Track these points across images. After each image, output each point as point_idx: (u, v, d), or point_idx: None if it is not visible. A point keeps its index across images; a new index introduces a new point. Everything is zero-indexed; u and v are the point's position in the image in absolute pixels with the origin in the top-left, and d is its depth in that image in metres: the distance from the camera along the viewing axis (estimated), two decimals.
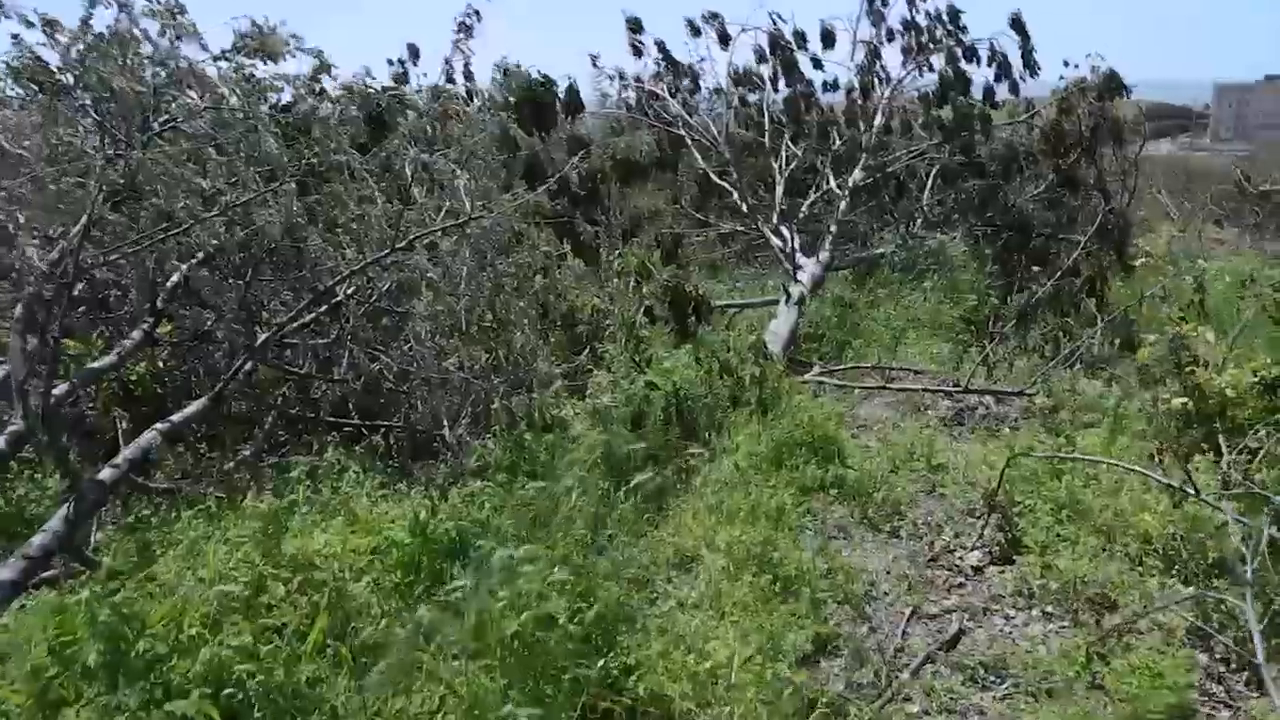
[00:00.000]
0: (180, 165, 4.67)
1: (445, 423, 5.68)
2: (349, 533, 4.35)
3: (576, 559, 4.29)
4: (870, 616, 5.01)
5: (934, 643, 4.76)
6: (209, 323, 6.10)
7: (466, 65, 11.01)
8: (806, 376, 8.89)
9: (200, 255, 5.89)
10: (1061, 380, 7.92)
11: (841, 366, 9.31)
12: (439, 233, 5.63)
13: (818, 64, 13.31)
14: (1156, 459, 5.36)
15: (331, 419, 5.76)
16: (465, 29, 10.55)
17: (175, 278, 5.87)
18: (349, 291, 5.59)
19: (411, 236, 5.37)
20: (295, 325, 5.39)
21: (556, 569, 3.85)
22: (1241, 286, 10.45)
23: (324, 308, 5.57)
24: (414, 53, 11.75)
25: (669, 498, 5.88)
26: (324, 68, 6.84)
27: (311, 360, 6.10)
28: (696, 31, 12.54)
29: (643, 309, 8.11)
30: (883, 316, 10.61)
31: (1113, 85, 12.98)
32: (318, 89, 7.22)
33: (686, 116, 12.54)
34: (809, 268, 11.47)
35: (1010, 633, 4.91)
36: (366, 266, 5.32)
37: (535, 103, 9.94)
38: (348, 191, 5.72)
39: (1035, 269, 11.69)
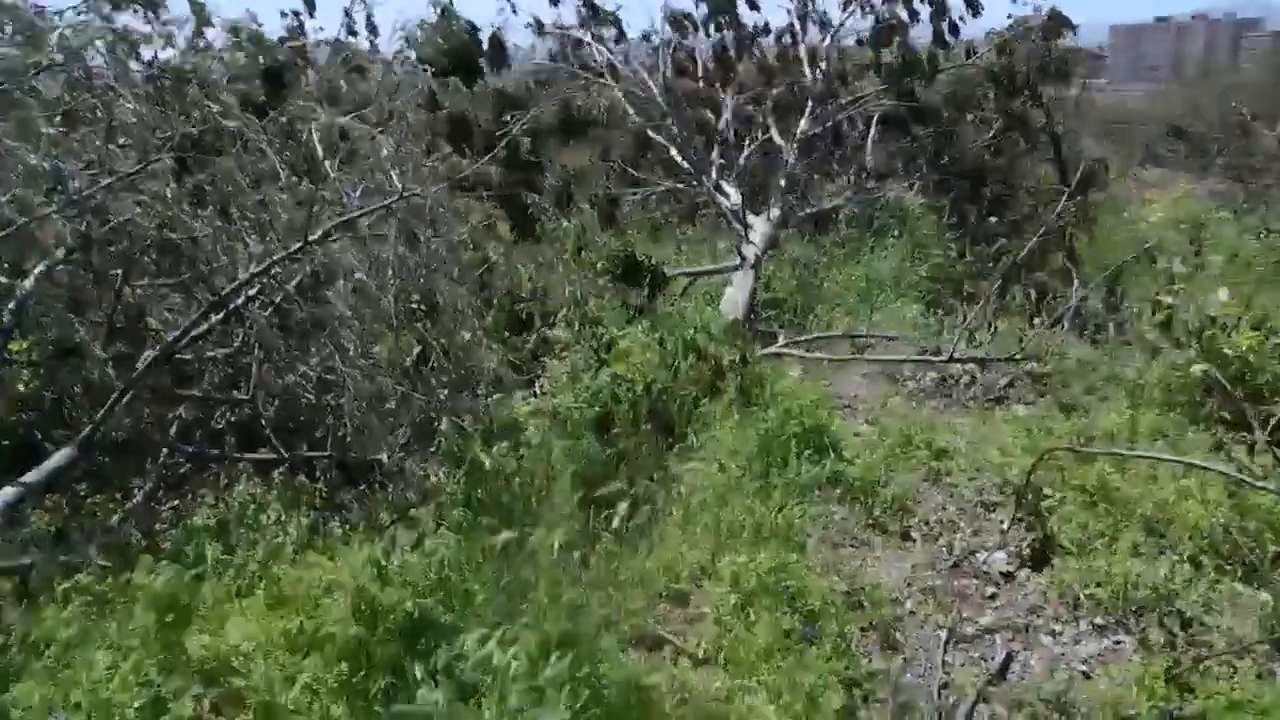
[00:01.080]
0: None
1: (382, 444, 4.69)
2: (277, 617, 3.38)
3: (568, 626, 3.42)
4: (902, 644, 4.33)
5: (980, 673, 4.13)
6: (78, 335, 4.95)
7: (369, 18, 9.77)
8: (772, 348, 8.12)
9: (59, 254, 4.72)
10: (1052, 344, 7.32)
11: (809, 336, 8.55)
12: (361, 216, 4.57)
13: (753, 5, 12.40)
14: (1225, 454, 4.74)
15: (239, 455, 4.69)
16: None
17: (29, 283, 4.71)
18: (251, 293, 4.49)
19: (330, 224, 4.30)
20: (187, 340, 4.28)
21: (553, 656, 2.99)
22: (1200, 230, 10.12)
23: (222, 314, 4.47)
24: (309, 3, 10.36)
25: (654, 512, 5.04)
26: (204, 19, 5.66)
27: (213, 375, 5.00)
28: None
29: (597, 285, 7.16)
30: (845, 278, 9.88)
31: (1058, 22, 12.49)
32: (201, 44, 6.01)
33: (618, 65, 11.44)
34: (760, 226, 10.64)
35: (1063, 654, 4.28)
36: (273, 265, 4.24)
37: (459, 53, 8.75)
38: (243, 167, 4.60)
39: (993, 219, 11.15)
